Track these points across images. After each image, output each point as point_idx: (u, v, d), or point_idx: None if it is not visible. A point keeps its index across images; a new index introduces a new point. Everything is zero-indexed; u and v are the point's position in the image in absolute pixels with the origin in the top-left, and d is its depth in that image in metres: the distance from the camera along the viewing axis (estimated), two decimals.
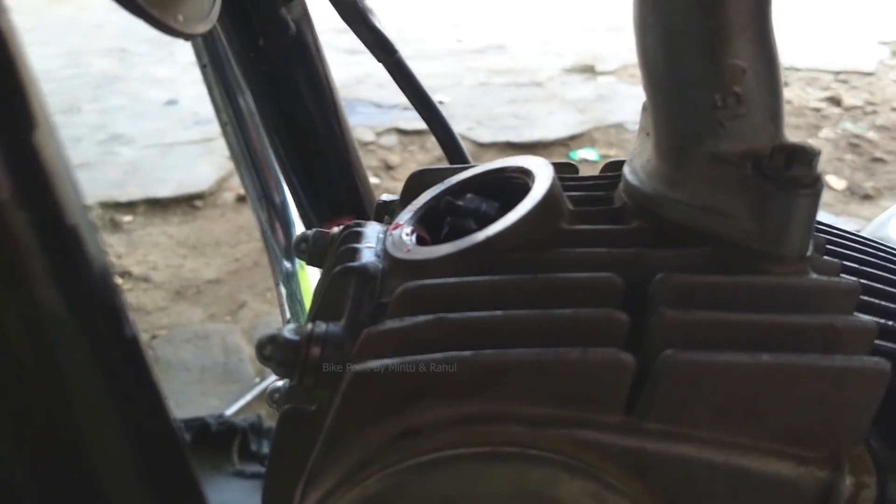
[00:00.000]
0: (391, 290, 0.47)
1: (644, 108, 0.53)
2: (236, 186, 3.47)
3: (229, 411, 2.24)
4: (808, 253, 0.46)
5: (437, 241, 0.51)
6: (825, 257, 0.48)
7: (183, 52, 4.94)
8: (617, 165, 0.58)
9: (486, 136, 3.89)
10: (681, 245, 0.48)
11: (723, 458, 0.42)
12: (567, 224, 0.51)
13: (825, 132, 3.88)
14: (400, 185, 0.62)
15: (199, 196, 3.49)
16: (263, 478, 0.50)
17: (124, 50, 5.36)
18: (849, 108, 4.18)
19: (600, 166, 0.62)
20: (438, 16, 5.86)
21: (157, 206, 3.45)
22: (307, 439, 0.47)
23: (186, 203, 3.46)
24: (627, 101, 4.27)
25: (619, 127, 3.98)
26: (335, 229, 0.61)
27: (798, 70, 4.52)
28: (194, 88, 4.32)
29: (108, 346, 0.42)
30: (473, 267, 0.47)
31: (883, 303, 0.51)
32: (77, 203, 0.39)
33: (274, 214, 1.05)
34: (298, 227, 1.05)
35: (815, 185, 0.44)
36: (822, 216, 0.50)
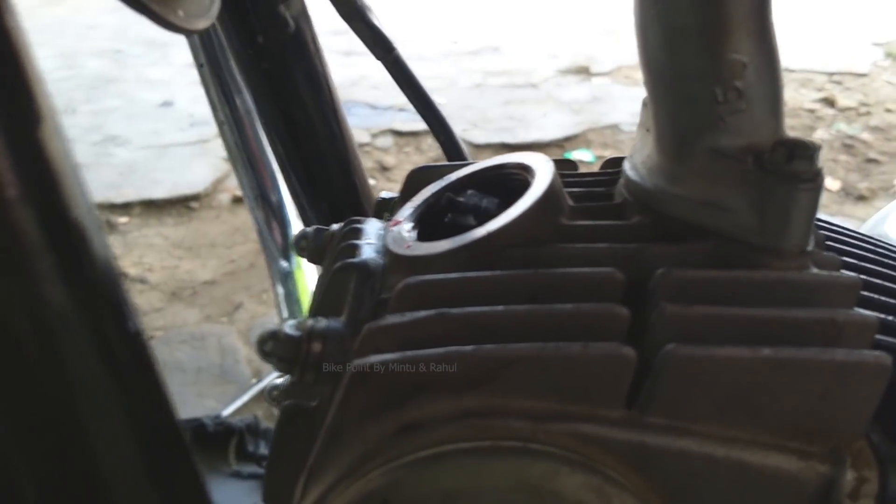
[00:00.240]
0: (392, 287, 0.47)
1: (644, 104, 0.53)
2: (232, 188, 3.47)
3: (226, 412, 2.23)
4: (809, 248, 0.46)
5: (437, 237, 0.51)
6: (825, 252, 0.48)
7: (178, 54, 4.94)
8: (617, 162, 0.58)
9: (481, 138, 3.89)
10: (681, 240, 0.48)
11: (724, 452, 0.43)
12: (567, 220, 0.51)
13: (819, 133, 3.89)
14: (396, 187, 0.62)
15: (195, 197, 3.48)
16: (264, 474, 0.50)
17: (119, 51, 5.35)
18: (843, 110, 4.19)
19: (596, 167, 0.62)
20: (433, 17, 5.86)
21: (152, 207, 3.44)
22: (308, 435, 0.47)
23: (182, 204, 3.45)
24: (622, 103, 4.27)
25: (614, 128, 3.99)
26: (335, 226, 0.61)
27: (792, 71, 4.53)
28: (189, 90, 4.32)
29: (113, 341, 0.41)
30: (474, 263, 0.47)
31: (883, 298, 0.51)
32: (83, 197, 0.39)
33: (271, 214, 1.06)
34: (295, 227, 1.05)
35: (815, 180, 0.44)
36: (818, 216, 0.50)
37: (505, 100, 4.43)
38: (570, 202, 0.53)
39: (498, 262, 0.47)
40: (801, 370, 0.42)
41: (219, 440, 1.96)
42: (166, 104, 4.46)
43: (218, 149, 3.56)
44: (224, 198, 3.47)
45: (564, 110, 4.25)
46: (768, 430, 0.43)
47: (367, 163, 3.61)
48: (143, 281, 2.92)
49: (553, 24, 5.70)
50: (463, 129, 3.92)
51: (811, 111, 4.17)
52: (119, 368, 0.42)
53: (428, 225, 0.54)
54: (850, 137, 3.88)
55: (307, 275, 1.09)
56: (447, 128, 0.82)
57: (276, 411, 0.52)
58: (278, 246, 1.07)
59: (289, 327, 0.48)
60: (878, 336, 0.46)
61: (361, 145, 3.76)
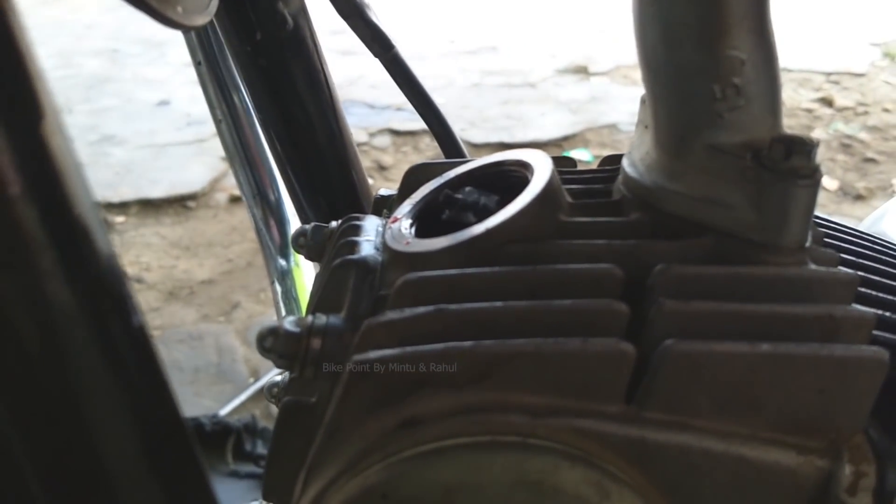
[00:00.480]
0: (391, 283, 0.47)
1: (642, 101, 0.53)
2: (229, 187, 3.47)
3: (223, 411, 2.23)
4: (807, 244, 0.46)
5: (435, 234, 0.51)
6: (823, 249, 0.49)
7: (175, 53, 4.94)
8: (615, 159, 0.58)
9: (479, 137, 3.89)
10: (680, 236, 0.48)
11: (722, 447, 0.43)
12: (566, 217, 0.51)
13: (817, 133, 3.90)
14: (394, 186, 0.62)
15: (192, 197, 3.48)
16: (264, 470, 0.50)
17: (116, 51, 5.35)
18: (841, 109, 4.20)
19: (594, 167, 0.62)
20: (431, 16, 5.86)
21: (149, 206, 3.44)
22: (308, 431, 0.47)
23: (179, 204, 3.46)
24: (620, 102, 4.28)
25: (613, 128, 3.99)
26: (333, 223, 0.61)
27: (790, 71, 4.54)
28: (186, 89, 4.32)
29: (116, 337, 0.41)
30: (473, 259, 0.47)
31: (880, 295, 0.52)
32: (85, 193, 0.39)
33: (269, 212, 1.05)
34: (293, 225, 1.05)
35: (813, 176, 0.44)
36: (816, 214, 0.51)
37: (503, 99, 4.44)
38: (569, 199, 0.53)
39: (497, 258, 0.47)
40: (799, 366, 0.42)
41: (216, 439, 1.97)
42: (163, 104, 4.46)
43: (215, 148, 3.56)
44: (221, 197, 3.48)
45: (563, 110, 4.25)
46: (767, 426, 0.43)
47: (364, 162, 3.60)
48: (140, 280, 2.92)
49: (551, 24, 5.70)
50: (461, 129, 3.93)
51: (809, 111, 4.18)
52: (122, 364, 0.42)
53: (426, 222, 0.54)
54: (848, 137, 3.89)
55: (305, 273, 1.09)
56: (446, 126, 0.82)
57: (275, 409, 0.52)
58: (276, 244, 1.07)
59: (288, 323, 0.48)
60: (876, 332, 0.46)
61: (359, 145, 3.76)
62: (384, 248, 0.52)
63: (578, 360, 0.41)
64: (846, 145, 3.82)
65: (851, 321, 0.44)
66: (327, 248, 0.60)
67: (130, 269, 2.98)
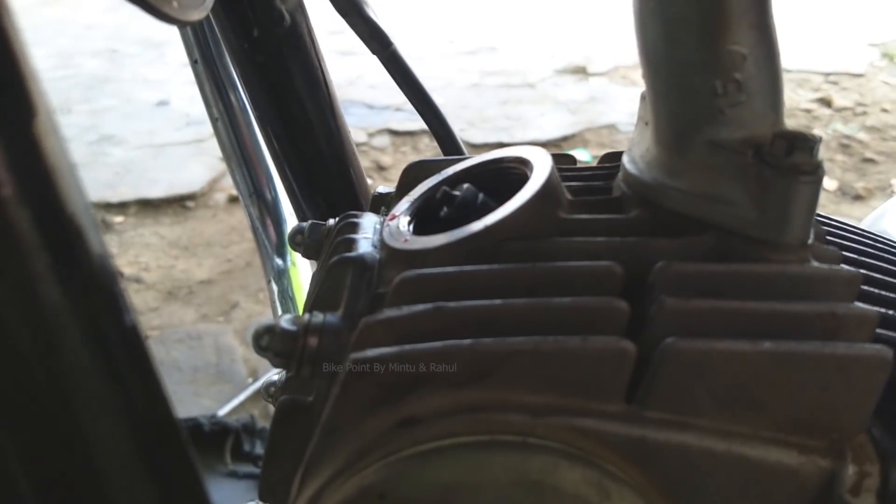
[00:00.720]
0: (389, 281, 0.47)
1: (643, 98, 0.52)
2: (228, 187, 3.47)
3: (222, 411, 2.23)
4: (809, 241, 0.46)
5: (434, 231, 0.51)
6: (826, 246, 0.48)
7: (174, 54, 4.93)
8: (615, 156, 0.58)
9: (478, 138, 3.89)
10: (681, 234, 0.47)
11: (724, 446, 0.42)
12: (566, 214, 0.50)
13: (816, 133, 3.89)
14: (392, 186, 0.62)
15: (191, 197, 3.48)
16: (260, 469, 0.50)
17: (115, 51, 5.34)
18: (839, 110, 4.20)
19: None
20: (430, 16, 5.86)
21: (148, 206, 3.44)
22: (305, 430, 0.46)
23: (178, 204, 3.45)
24: (619, 103, 4.27)
25: (612, 128, 3.99)
26: (331, 221, 0.60)
27: (789, 71, 4.54)
28: (185, 89, 4.32)
29: (109, 339, 0.41)
30: (472, 256, 0.47)
31: (883, 293, 0.51)
32: (78, 194, 0.39)
33: (265, 211, 1.05)
34: (290, 224, 1.04)
35: (816, 173, 0.44)
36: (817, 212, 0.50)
37: (502, 99, 4.43)
38: (569, 196, 0.52)
39: (496, 255, 0.47)
40: (801, 364, 0.41)
41: (215, 440, 1.96)
42: (162, 104, 4.45)
43: (214, 148, 3.55)
44: (220, 197, 3.47)
45: (562, 110, 4.25)
46: (769, 425, 0.42)
47: (364, 162, 3.58)
48: (138, 280, 2.92)
49: (550, 24, 5.70)
50: (460, 129, 3.90)
51: (808, 111, 4.18)
52: (115, 365, 0.41)
53: (425, 219, 0.53)
54: (847, 137, 3.89)
55: (302, 272, 1.08)
56: (444, 123, 0.81)
57: (273, 409, 0.51)
58: (273, 243, 1.06)
59: (285, 322, 0.47)
60: (879, 330, 0.45)
61: (358, 145, 3.76)
62: (382, 245, 0.51)
63: (578, 359, 0.41)
64: (845, 145, 3.82)
65: (854, 319, 0.43)
66: (324, 245, 0.59)
67: (129, 269, 2.98)
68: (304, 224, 0.62)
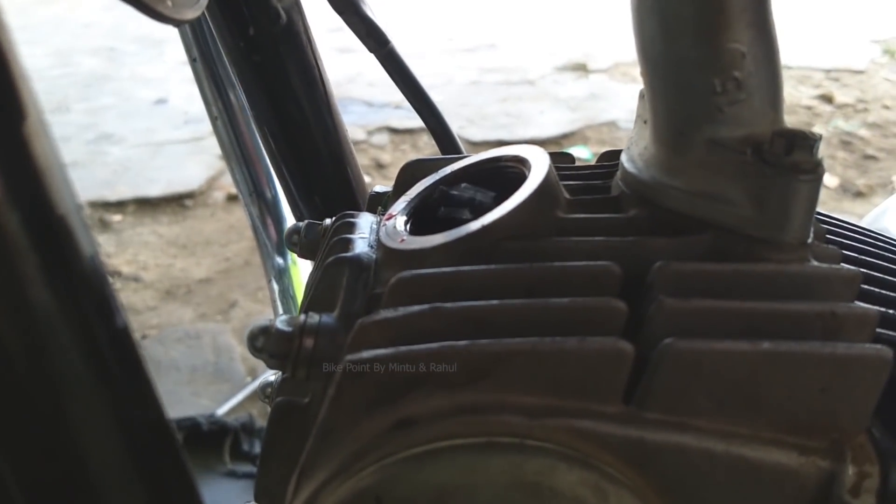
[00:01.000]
0: (385, 281, 0.47)
1: (641, 96, 0.52)
2: (226, 186, 3.46)
3: (221, 411, 2.23)
4: (809, 240, 0.45)
5: (431, 231, 0.50)
6: (826, 245, 0.48)
7: (172, 52, 4.93)
8: (614, 155, 0.57)
9: (477, 135, 3.89)
10: (679, 233, 0.47)
11: (723, 447, 0.42)
12: (563, 213, 0.50)
13: (817, 130, 3.89)
14: (391, 184, 0.61)
15: (189, 195, 3.48)
16: (256, 472, 0.50)
17: (113, 49, 5.34)
18: (841, 106, 4.19)
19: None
20: (429, 13, 5.85)
21: (146, 205, 3.44)
22: (300, 432, 0.46)
23: (176, 202, 3.45)
24: (620, 100, 4.27)
25: (612, 125, 3.99)
26: (327, 221, 0.60)
27: (790, 68, 4.54)
28: (184, 87, 4.32)
29: (100, 340, 0.41)
30: (469, 256, 0.47)
31: (883, 292, 0.51)
32: (68, 196, 0.39)
33: (265, 210, 1.05)
34: (290, 223, 1.04)
35: (815, 171, 0.44)
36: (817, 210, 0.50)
37: (502, 97, 4.43)
38: (567, 195, 0.52)
39: (493, 255, 0.47)
40: (801, 364, 0.41)
41: (213, 439, 1.97)
42: (161, 102, 4.45)
43: (213, 147, 3.55)
44: (219, 195, 3.47)
45: (561, 107, 4.25)
46: (768, 425, 0.42)
47: (362, 160, 3.60)
48: (137, 279, 2.92)
49: (550, 21, 5.69)
50: (460, 127, 3.92)
51: (809, 108, 4.17)
52: (106, 367, 0.41)
53: (422, 219, 0.53)
54: (848, 134, 3.89)
55: (302, 271, 1.08)
56: (442, 121, 0.81)
57: (269, 408, 0.51)
58: (273, 242, 1.06)
59: (280, 323, 0.47)
60: (879, 330, 0.45)
61: (357, 143, 3.76)
62: (378, 245, 0.51)
63: (576, 360, 0.41)
64: (846, 142, 3.81)
65: (854, 319, 0.43)
66: (321, 245, 0.59)
67: (127, 268, 2.98)
68: (301, 224, 0.62)
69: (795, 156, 0.43)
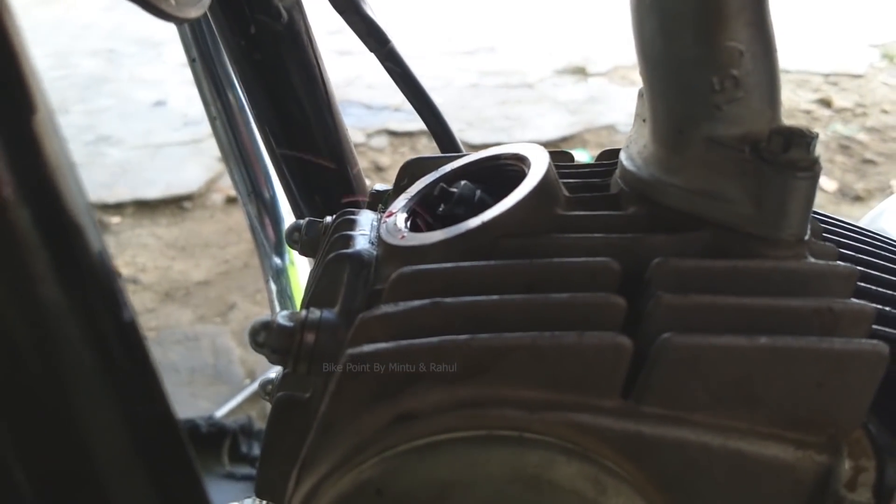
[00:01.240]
0: (386, 277, 0.47)
1: (640, 95, 0.52)
2: (225, 188, 3.46)
3: (219, 413, 2.23)
4: (806, 237, 0.46)
5: (431, 228, 0.51)
6: (822, 242, 0.48)
7: (171, 54, 4.93)
8: (613, 153, 0.58)
9: (477, 138, 3.89)
10: (678, 230, 0.47)
11: (720, 441, 0.42)
12: (563, 210, 0.50)
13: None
14: (390, 185, 0.61)
15: (188, 197, 3.48)
16: (257, 467, 0.50)
17: (112, 51, 5.34)
18: (839, 110, 4.20)
19: None
20: (428, 16, 5.86)
21: (145, 207, 3.44)
22: (301, 427, 0.46)
23: (175, 204, 3.45)
24: (619, 103, 4.27)
25: (611, 128, 3.99)
26: (328, 218, 0.60)
27: (789, 72, 4.54)
28: (183, 89, 4.32)
29: (108, 337, 0.41)
30: (469, 253, 0.47)
31: (879, 289, 0.51)
32: (78, 191, 0.39)
33: (264, 210, 1.05)
34: (288, 223, 1.04)
35: (812, 169, 0.44)
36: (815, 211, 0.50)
37: (501, 100, 4.43)
38: (566, 193, 0.52)
39: (493, 252, 0.47)
40: (798, 359, 0.41)
41: (212, 441, 1.96)
42: (159, 104, 4.45)
43: (211, 148, 3.56)
44: (218, 198, 3.47)
45: (561, 110, 4.25)
46: (765, 420, 0.42)
47: (362, 163, 3.58)
48: (135, 281, 2.92)
49: (549, 24, 5.70)
50: (459, 129, 3.88)
51: (808, 112, 4.18)
52: (114, 364, 0.41)
53: (422, 216, 0.53)
54: (847, 138, 3.89)
55: (300, 271, 1.08)
56: (442, 121, 0.81)
57: (268, 408, 0.51)
58: (271, 242, 1.06)
59: (282, 318, 0.47)
60: (875, 326, 0.45)
61: (356, 145, 3.74)
62: (379, 242, 0.51)
63: (575, 354, 0.41)
64: (845, 146, 3.82)
65: (851, 315, 0.43)
66: (321, 242, 0.59)
67: (126, 270, 2.97)
68: (301, 221, 0.62)
69: (793, 153, 0.44)
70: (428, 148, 3.72)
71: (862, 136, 3.92)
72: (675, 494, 0.43)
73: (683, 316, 0.42)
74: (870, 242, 0.57)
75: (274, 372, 0.60)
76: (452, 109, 4.17)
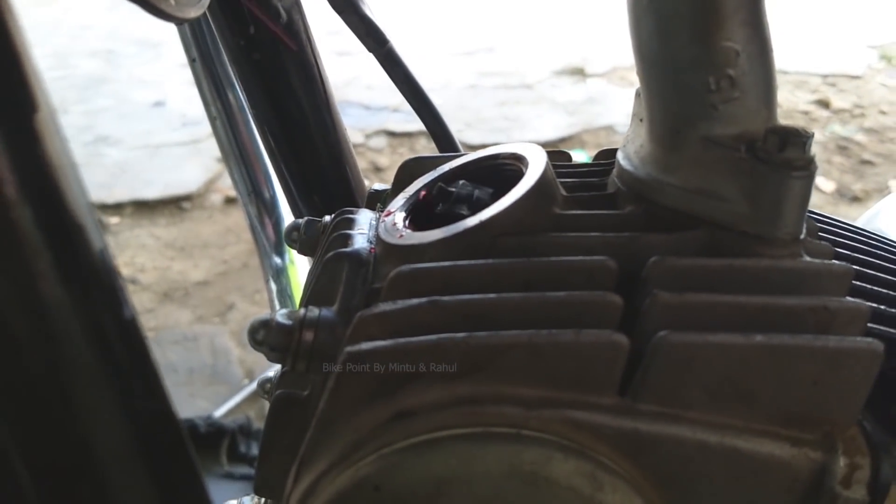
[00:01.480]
0: (384, 276, 0.47)
1: (637, 94, 0.53)
2: (224, 188, 3.46)
3: (218, 413, 2.23)
4: (802, 236, 0.46)
5: (429, 227, 0.51)
6: (818, 241, 0.48)
7: (170, 54, 4.93)
8: (610, 153, 0.58)
9: (475, 139, 3.89)
10: (674, 229, 0.48)
11: (716, 439, 0.42)
12: (560, 209, 0.50)
13: (813, 137, 3.90)
14: (389, 185, 0.62)
15: (187, 198, 3.48)
16: (256, 464, 0.50)
17: (111, 51, 5.33)
18: (837, 111, 4.20)
19: None
20: (427, 17, 5.86)
21: (144, 207, 3.43)
22: (300, 424, 0.46)
23: (174, 205, 3.45)
24: (617, 104, 4.27)
25: (609, 129, 3.99)
26: (327, 218, 0.61)
27: (787, 73, 4.54)
28: (181, 90, 4.31)
29: (110, 335, 0.41)
30: (467, 251, 0.47)
31: (874, 288, 0.51)
32: (79, 188, 0.39)
33: (263, 209, 1.05)
34: (288, 222, 1.04)
35: (808, 168, 0.44)
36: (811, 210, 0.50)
37: (500, 101, 4.43)
38: (563, 192, 0.52)
39: (490, 250, 0.47)
40: (793, 357, 0.42)
41: (211, 441, 1.96)
42: (158, 104, 4.45)
43: (210, 149, 3.57)
44: (216, 198, 3.47)
45: (559, 111, 4.25)
46: (761, 417, 0.43)
47: (360, 163, 3.58)
48: (134, 282, 2.92)
49: (548, 25, 5.70)
50: (458, 130, 3.88)
51: (806, 113, 4.18)
52: (114, 358, 0.41)
53: (420, 215, 0.53)
54: (845, 139, 3.90)
55: (300, 271, 1.08)
56: (440, 121, 0.81)
57: (268, 405, 0.52)
58: (271, 242, 1.07)
59: (280, 316, 0.47)
60: (870, 325, 0.45)
61: (355, 146, 3.74)
62: (377, 241, 0.51)
63: (572, 352, 0.41)
64: (843, 147, 3.82)
65: (846, 313, 0.43)
66: (320, 242, 0.59)
67: (125, 271, 2.97)
68: (301, 220, 0.62)
69: (788, 153, 0.44)
70: (427, 148, 3.72)
71: (860, 137, 3.92)
72: (672, 491, 0.43)
73: (680, 314, 0.43)
74: (865, 242, 0.57)
75: (273, 371, 0.60)
76: (451, 110, 4.17)
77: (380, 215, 0.55)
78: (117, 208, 3.41)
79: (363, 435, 0.42)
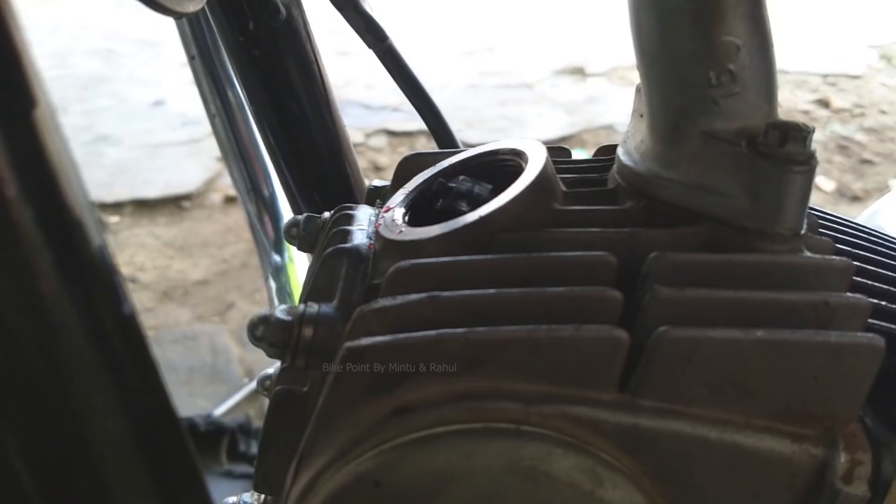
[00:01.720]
0: (383, 271, 0.47)
1: (637, 90, 0.52)
2: (224, 187, 3.46)
3: (218, 412, 2.23)
4: (802, 231, 0.46)
5: (429, 223, 0.51)
6: (818, 237, 0.48)
7: (170, 54, 4.92)
8: (610, 149, 0.58)
9: (475, 138, 3.88)
10: (674, 224, 0.47)
11: (716, 434, 0.42)
12: (560, 205, 0.50)
13: (814, 134, 3.90)
14: (388, 182, 0.62)
15: (187, 197, 3.48)
16: (255, 460, 0.50)
17: (111, 51, 5.33)
18: (837, 111, 4.20)
19: None
20: (426, 16, 5.86)
21: (144, 206, 3.43)
22: (299, 420, 0.46)
23: (174, 204, 3.45)
24: (617, 104, 4.27)
25: (609, 129, 3.99)
26: (326, 214, 0.61)
27: (787, 73, 4.54)
28: (181, 89, 4.31)
29: (110, 333, 0.41)
30: (466, 247, 0.47)
31: (875, 284, 0.51)
32: (78, 185, 0.39)
33: (263, 207, 1.05)
34: (287, 219, 1.04)
35: (809, 163, 0.44)
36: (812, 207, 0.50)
37: (500, 100, 4.43)
38: (563, 188, 0.52)
39: (490, 246, 0.47)
40: (794, 352, 0.41)
41: (211, 440, 1.96)
42: (158, 103, 4.44)
43: (210, 148, 3.56)
44: (216, 197, 3.47)
45: (559, 111, 4.25)
46: (762, 413, 0.43)
47: (360, 163, 3.59)
48: (134, 280, 2.92)
49: (548, 24, 5.69)
50: (457, 129, 3.86)
51: (806, 112, 4.18)
52: (113, 354, 0.41)
53: (420, 211, 0.53)
54: (845, 138, 3.90)
55: (300, 268, 1.08)
56: (440, 117, 0.81)
57: (267, 403, 0.51)
58: (270, 239, 1.07)
59: (280, 312, 0.47)
60: (871, 321, 0.45)
61: (355, 145, 3.74)
62: (377, 236, 0.51)
63: (572, 347, 0.41)
64: (843, 147, 3.82)
65: (847, 308, 0.43)
66: (319, 238, 0.59)
67: (125, 270, 2.97)
68: (300, 217, 0.62)
69: (789, 147, 0.44)
70: (427, 148, 3.72)
71: (860, 137, 3.92)
72: (672, 487, 0.43)
73: (680, 309, 0.42)
74: (866, 238, 0.57)
75: (273, 368, 0.60)
76: (451, 110, 4.13)
77: (379, 211, 0.54)
78: (117, 207, 3.41)
79: (363, 431, 0.42)
